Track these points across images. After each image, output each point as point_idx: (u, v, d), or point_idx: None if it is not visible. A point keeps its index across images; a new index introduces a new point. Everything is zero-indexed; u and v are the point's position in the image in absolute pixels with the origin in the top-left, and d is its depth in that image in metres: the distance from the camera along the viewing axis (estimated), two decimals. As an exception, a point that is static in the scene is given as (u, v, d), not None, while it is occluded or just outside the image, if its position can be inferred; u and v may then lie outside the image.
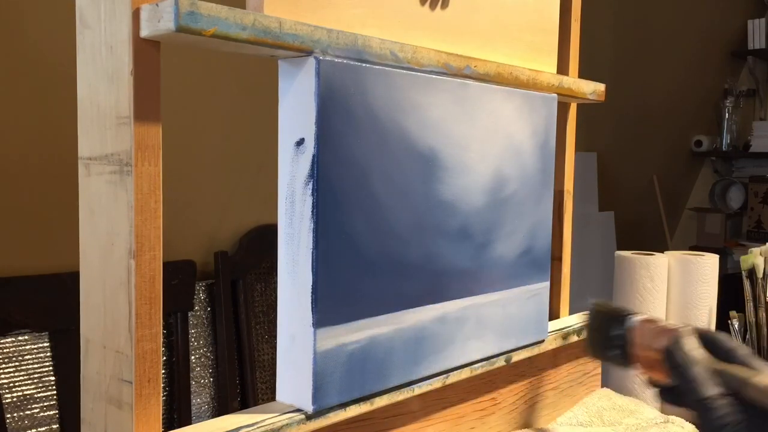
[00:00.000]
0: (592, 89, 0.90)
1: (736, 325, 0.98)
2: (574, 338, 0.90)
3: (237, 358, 1.62)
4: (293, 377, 0.59)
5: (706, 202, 3.89)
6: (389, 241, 0.63)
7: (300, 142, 0.57)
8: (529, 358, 0.83)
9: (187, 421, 1.47)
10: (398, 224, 0.64)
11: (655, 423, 0.88)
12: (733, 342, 0.53)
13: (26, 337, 1.29)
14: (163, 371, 1.20)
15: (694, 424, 0.51)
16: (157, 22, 0.48)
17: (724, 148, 3.78)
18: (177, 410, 1.49)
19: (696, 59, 3.59)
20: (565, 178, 0.94)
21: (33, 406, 1.30)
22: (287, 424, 0.57)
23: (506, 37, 0.78)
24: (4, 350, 1.27)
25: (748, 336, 0.97)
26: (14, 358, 1.28)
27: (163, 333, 0.54)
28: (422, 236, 0.66)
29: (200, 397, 1.58)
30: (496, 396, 0.81)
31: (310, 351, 0.58)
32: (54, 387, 1.32)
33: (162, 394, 0.80)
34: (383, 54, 0.61)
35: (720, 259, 1.11)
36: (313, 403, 0.58)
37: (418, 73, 0.65)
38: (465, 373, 0.73)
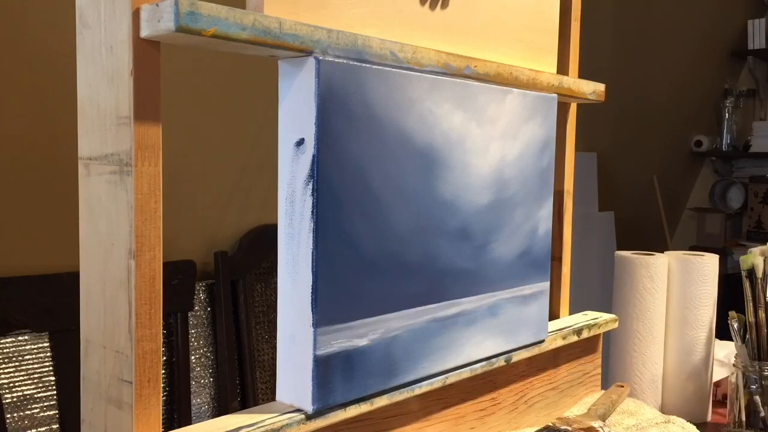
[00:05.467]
0: (592, 89, 0.90)
1: (736, 326, 0.98)
2: (574, 338, 0.90)
3: (237, 358, 1.62)
4: (293, 377, 0.59)
5: (706, 202, 3.89)
6: (389, 241, 0.63)
7: (300, 142, 0.57)
8: (529, 358, 0.83)
9: (187, 421, 1.47)
10: (398, 224, 0.64)
11: (656, 423, 0.88)
12: None
13: (26, 337, 1.29)
14: (163, 371, 1.20)
15: None
16: (157, 22, 0.48)
17: (724, 148, 3.77)
18: (177, 410, 1.49)
19: (696, 59, 3.59)
20: (565, 178, 0.94)
21: (33, 406, 1.30)
22: (287, 424, 0.57)
23: (506, 37, 0.78)
24: (4, 350, 1.27)
25: (747, 336, 0.97)
26: (14, 358, 1.28)
27: (163, 333, 0.54)
28: (422, 236, 0.66)
29: (200, 397, 1.58)
30: (496, 396, 0.81)
31: (310, 351, 0.58)
32: (54, 387, 1.32)
33: (162, 394, 0.80)
34: (383, 54, 0.61)
35: (720, 259, 1.11)
36: (313, 403, 0.58)
37: (418, 73, 0.65)
38: (465, 373, 0.73)
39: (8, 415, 1.26)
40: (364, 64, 0.60)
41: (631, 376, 1.06)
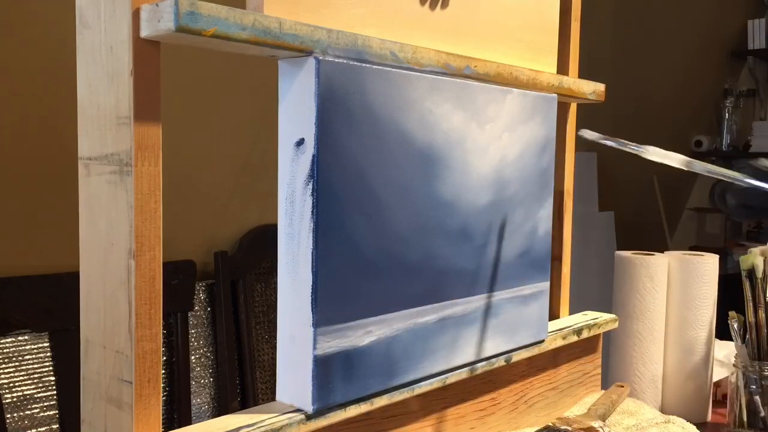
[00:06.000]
0: (592, 89, 0.90)
1: (736, 326, 0.98)
2: (574, 338, 0.90)
3: (237, 358, 1.62)
4: (293, 377, 0.59)
5: (706, 202, 3.88)
6: (389, 241, 0.63)
7: (300, 142, 0.57)
8: (529, 358, 0.83)
9: (187, 421, 1.47)
10: (398, 224, 0.64)
11: (656, 423, 0.88)
12: None
13: (26, 337, 1.29)
14: (163, 371, 1.19)
15: None
16: (157, 22, 0.48)
17: (724, 148, 3.78)
18: (177, 410, 1.49)
19: (696, 59, 3.59)
20: (565, 178, 0.94)
21: (33, 406, 1.30)
22: (287, 424, 0.57)
23: (506, 37, 0.78)
24: (4, 350, 1.27)
25: (747, 336, 0.97)
26: (14, 358, 1.28)
27: (163, 333, 0.54)
28: (422, 236, 0.66)
29: (200, 397, 1.58)
30: (496, 396, 0.81)
31: (310, 351, 0.58)
32: (54, 387, 1.32)
33: (162, 394, 0.80)
34: (383, 54, 0.61)
35: (720, 259, 1.10)
36: (313, 403, 0.58)
37: (418, 73, 0.65)
38: (465, 373, 0.73)
39: (8, 415, 1.26)
40: (364, 64, 0.60)
41: (631, 376, 1.06)
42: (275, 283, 1.04)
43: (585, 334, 0.92)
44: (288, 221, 0.59)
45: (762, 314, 0.96)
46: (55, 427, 1.32)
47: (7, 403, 1.27)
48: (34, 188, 1.36)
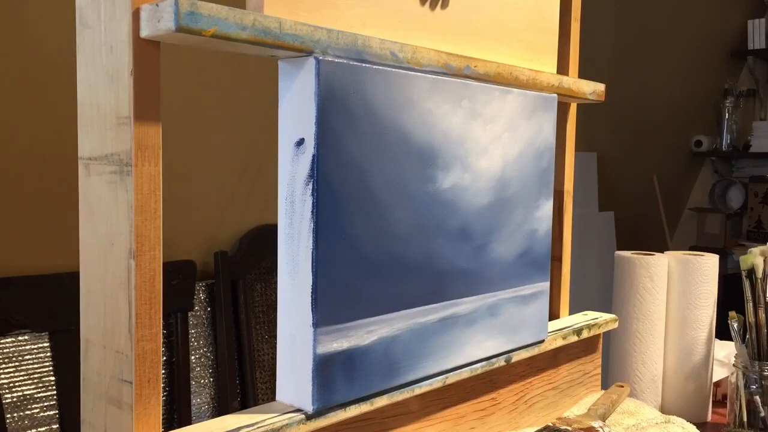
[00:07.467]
0: (592, 89, 0.90)
1: (736, 326, 0.98)
2: (574, 338, 0.90)
3: (237, 358, 1.62)
4: (293, 377, 0.59)
5: (706, 202, 3.89)
6: (389, 241, 0.63)
7: (300, 142, 0.57)
8: (529, 358, 0.83)
9: (187, 421, 1.47)
10: (398, 224, 0.64)
11: (656, 423, 0.88)
12: None
13: (26, 337, 1.29)
14: (163, 371, 1.19)
15: None
16: (157, 22, 0.48)
17: (724, 148, 3.78)
18: (177, 410, 1.49)
19: (696, 59, 3.59)
20: (565, 178, 0.94)
21: (33, 406, 1.30)
22: (287, 424, 0.57)
23: (506, 37, 0.78)
24: (4, 350, 1.27)
25: (747, 336, 0.97)
26: (14, 358, 1.28)
27: (163, 333, 0.54)
28: (422, 236, 0.66)
29: (200, 397, 1.58)
30: (496, 396, 0.81)
31: (310, 351, 0.58)
32: (54, 387, 1.32)
33: (162, 394, 0.80)
34: (383, 54, 0.61)
35: (720, 259, 1.11)
36: (313, 403, 0.58)
37: (418, 74, 0.65)
38: (465, 373, 0.73)
39: (8, 415, 1.26)
40: (364, 64, 0.60)
41: (631, 376, 1.06)
42: (275, 283, 1.04)
43: (585, 334, 0.92)
44: (288, 221, 0.59)
45: (762, 314, 0.96)
46: (55, 427, 1.32)
47: (7, 403, 1.27)
48: (34, 188, 1.35)
